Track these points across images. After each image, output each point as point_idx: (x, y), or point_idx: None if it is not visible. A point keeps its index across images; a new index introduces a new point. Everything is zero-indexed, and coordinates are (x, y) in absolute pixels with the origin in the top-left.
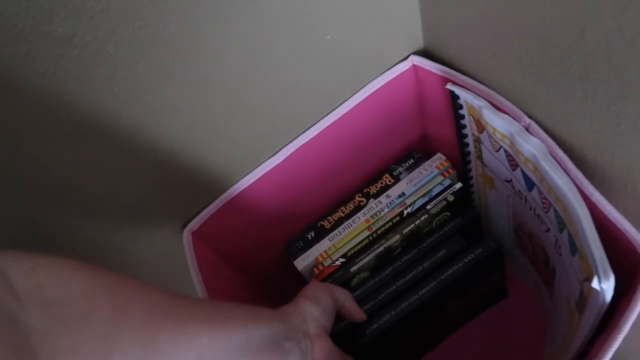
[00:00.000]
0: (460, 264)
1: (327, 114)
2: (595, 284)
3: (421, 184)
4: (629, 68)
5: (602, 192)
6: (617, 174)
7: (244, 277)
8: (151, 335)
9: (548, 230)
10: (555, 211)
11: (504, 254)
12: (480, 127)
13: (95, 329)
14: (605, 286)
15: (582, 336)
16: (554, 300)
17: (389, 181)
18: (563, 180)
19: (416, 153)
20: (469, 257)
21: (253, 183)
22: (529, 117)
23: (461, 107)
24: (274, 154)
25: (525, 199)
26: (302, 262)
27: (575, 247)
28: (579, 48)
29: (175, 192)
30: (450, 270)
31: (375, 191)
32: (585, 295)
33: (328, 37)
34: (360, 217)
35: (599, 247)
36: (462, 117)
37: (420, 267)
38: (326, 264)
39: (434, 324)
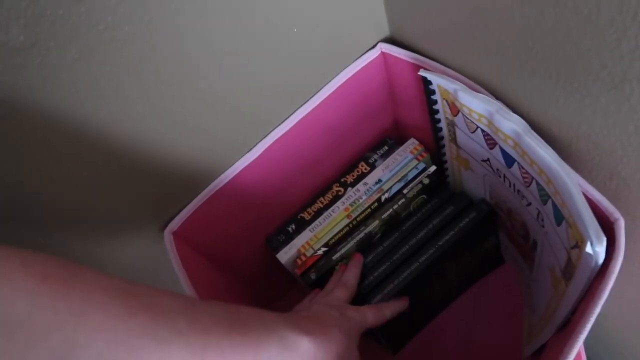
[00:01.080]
0: (456, 229)
1: (300, 106)
2: (589, 248)
3: (396, 170)
4: (589, 45)
5: (571, 166)
6: (583, 148)
7: (228, 274)
8: None
9: (529, 204)
10: (538, 184)
11: (497, 216)
12: (455, 110)
13: (40, 359)
14: (598, 249)
15: (570, 303)
16: (534, 273)
17: (365, 169)
18: (548, 152)
19: (390, 139)
20: (465, 222)
21: (232, 179)
22: (497, 99)
23: (433, 92)
24: (250, 150)
25: (504, 177)
26: (284, 256)
27: (562, 216)
28: (540, 28)
29: (154, 193)
30: (447, 236)
31: (352, 180)
32: (573, 262)
33: (295, 29)
34: (340, 207)
35: (589, 212)
36: (435, 102)
37: (419, 235)
38: (308, 254)
39: (435, 292)
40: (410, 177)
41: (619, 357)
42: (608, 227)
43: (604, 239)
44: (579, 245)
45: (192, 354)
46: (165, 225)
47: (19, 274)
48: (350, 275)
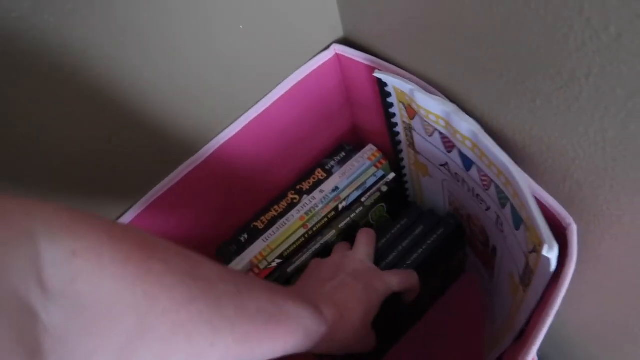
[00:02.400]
0: (424, 246)
1: (250, 108)
2: (546, 251)
3: (354, 177)
4: (537, 42)
5: (524, 170)
6: (536, 151)
7: None
8: (168, 356)
9: (488, 208)
10: (497, 187)
11: (464, 229)
12: (412, 112)
13: (113, 339)
14: (551, 255)
15: (529, 310)
16: (494, 280)
17: (322, 176)
18: (502, 153)
19: (347, 145)
20: (433, 238)
21: (175, 184)
22: (451, 101)
23: (389, 94)
24: (196, 153)
25: (463, 181)
26: (236, 267)
27: (521, 219)
28: (490, 25)
29: (91, 199)
30: (416, 254)
31: (308, 187)
32: (532, 267)
33: (241, 26)
34: (294, 215)
35: (541, 216)
36: (391, 105)
37: (388, 259)
38: (262, 267)
39: (405, 309)
40: (368, 184)
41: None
42: (561, 233)
43: (556, 246)
44: (537, 249)
45: (236, 341)
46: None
47: (106, 252)
48: (369, 233)
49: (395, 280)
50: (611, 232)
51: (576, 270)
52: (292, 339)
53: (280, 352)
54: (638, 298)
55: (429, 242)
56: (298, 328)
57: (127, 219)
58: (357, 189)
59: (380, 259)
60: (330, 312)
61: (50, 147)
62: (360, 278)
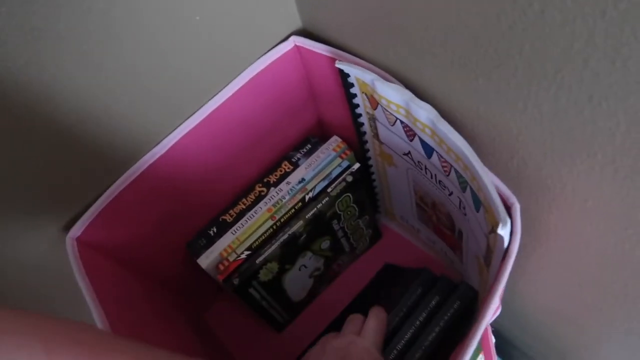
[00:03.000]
0: (442, 324)
1: (209, 99)
2: (500, 230)
3: (320, 168)
4: (474, 22)
5: (475, 150)
6: (484, 130)
7: (148, 282)
8: None
9: (451, 193)
10: (457, 172)
11: (478, 296)
12: (374, 102)
13: None
14: (504, 232)
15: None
16: (464, 264)
17: (288, 168)
18: (458, 139)
19: (313, 138)
20: (450, 313)
21: (138, 176)
22: (407, 87)
23: (352, 85)
24: (158, 143)
25: (426, 168)
26: (205, 260)
27: (480, 201)
28: (432, 7)
29: (52, 190)
30: (434, 334)
31: (275, 180)
32: (491, 247)
33: (197, 17)
34: (262, 207)
35: (497, 197)
36: (354, 95)
37: (407, 336)
38: (231, 259)
39: None
40: (334, 175)
41: (536, 338)
42: (507, 211)
43: (508, 221)
44: (494, 229)
45: None
46: (68, 228)
47: None
48: (382, 322)
49: (372, 331)
50: (556, 205)
51: (529, 246)
52: None
53: None
54: (586, 266)
55: (446, 317)
56: None
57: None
58: (323, 179)
59: (395, 335)
60: None
61: None
62: (341, 349)
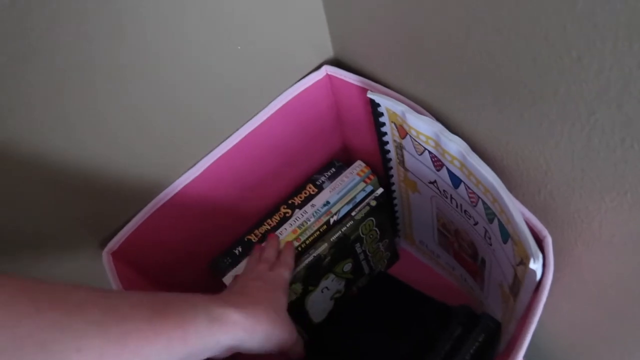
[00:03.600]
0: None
1: (243, 125)
2: (532, 264)
3: (344, 192)
4: (509, 64)
5: (504, 181)
6: (512, 163)
7: None
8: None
9: (476, 223)
10: (484, 203)
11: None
12: (403, 132)
13: None
14: (537, 266)
15: (518, 317)
16: (485, 291)
17: (313, 191)
18: (488, 173)
19: (337, 162)
20: (474, 347)
21: (174, 196)
22: (437, 119)
23: (382, 114)
24: (193, 166)
25: (451, 197)
26: (230, 279)
27: (508, 234)
28: (468, 47)
29: (91, 208)
30: None
31: (299, 202)
32: (519, 278)
33: (239, 47)
34: (287, 228)
35: (528, 233)
36: (383, 124)
37: None
38: None
39: None
40: (358, 199)
41: None
42: (538, 244)
43: (541, 256)
44: (524, 262)
45: (110, 342)
46: (105, 244)
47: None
48: (289, 256)
49: (283, 269)
50: (583, 239)
51: (553, 277)
52: (192, 327)
53: (182, 349)
54: (609, 300)
55: (472, 351)
56: (196, 313)
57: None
58: (347, 203)
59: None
60: (235, 297)
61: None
62: (260, 278)
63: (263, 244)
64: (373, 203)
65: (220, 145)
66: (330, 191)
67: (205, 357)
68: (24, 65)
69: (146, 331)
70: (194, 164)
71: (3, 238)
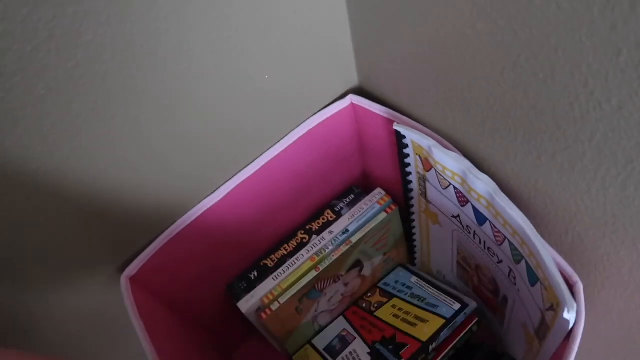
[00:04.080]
0: None
1: (267, 150)
2: (566, 314)
3: (364, 220)
4: (544, 106)
5: (530, 219)
6: (540, 203)
7: (188, 320)
8: None
9: (500, 262)
10: (511, 244)
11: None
12: (428, 165)
13: None
14: (571, 315)
15: None
16: (505, 327)
17: (331, 217)
18: (519, 215)
19: (357, 188)
20: None
21: (193, 221)
22: (464, 155)
23: (406, 146)
24: (213, 192)
25: (474, 233)
26: (245, 304)
27: (536, 277)
28: (500, 87)
29: (111, 234)
30: None
31: (317, 227)
32: (548, 323)
33: (266, 76)
34: (304, 255)
35: (562, 281)
36: (407, 155)
37: None
38: (274, 308)
39: None
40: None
41: None
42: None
43: (575, 305)
44: (554, 308)
45: None
46: (123, 269)
47: None
48: None
49: None
50: (610, 283)
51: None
52: None
53: None
54: (634, 343)
55: None
56: None
57: (141, 261)
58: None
59: None
60: None
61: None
62: None
63: None
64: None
65: (242, 171)
66: (349, 218)
67: None
68: (55, 97)
69: None
70: (215, 190)
71: (24, 261)
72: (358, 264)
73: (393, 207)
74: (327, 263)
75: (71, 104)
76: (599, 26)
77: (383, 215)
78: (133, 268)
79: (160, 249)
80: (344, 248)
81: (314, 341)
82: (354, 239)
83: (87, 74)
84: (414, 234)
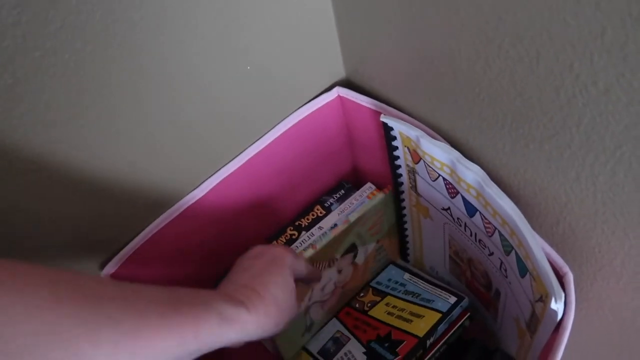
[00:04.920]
0: None
1: (252, 143)
2: (554, 304)
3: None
4: (531, 93)
5: (521, 209)
6: (530, 193)
7: None
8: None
9: (491, 254)
10: (501, 235)
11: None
12: (417, 157)
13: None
14: (559, 305)
15: (535, 356)
16: (498, 322)
17: (320, 212)
18: (508, 205)
19: (346, 183)
20: None
21: (175, 218)
22: (452, 146)
23: (394, 138)
24: (196, 187)
25: (465, 225)
26: None
27: (526, 268)
28: (486, 76)
29: (91, 229)
30: None
31: (306, 223)
32: (538, 315)
33: (248, 67)
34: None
35: (550, 269)
36: (396, 148)
37: None
38: None
39: None
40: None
41: None
42: (558, 280)
43: (563, 295)
44: (543, 299)
45: (125, 337)
46: (103, 265)
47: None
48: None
49: (302, 265)
50: (602, 274)
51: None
52: (204, 325)
53: (193, 345)
54: (628, 337)
55: None
56: (209, 313)
57: (121, 257)
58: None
59: None
60: (243, 293)
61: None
62: (262, 254)
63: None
64: None
65: (227, 166)
66: (339, 214)
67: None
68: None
69: (159, 327)
70: (199, 184)
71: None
72: (353, 249)
73: (385, 191)
74: (324, 241)
75: (41, 94)
76: (584, 4)
77: (380, 195)
78: (113, 265)
79: (141, 246)
80: (342, 227)
81: (307, 346)
82: (352, 218)
83: (58, 63)
84: (406, 229)
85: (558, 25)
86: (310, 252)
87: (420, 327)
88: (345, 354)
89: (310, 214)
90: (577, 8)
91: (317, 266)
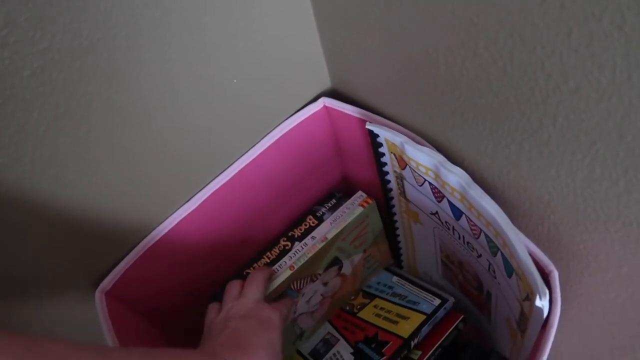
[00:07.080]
0: None
1: (239, 157)
2: (538, 302)
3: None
4: (507, 93)
5: (506, 211)
6: (514, 194)
7: (169, 333)
8: None
9: (480, 256)
10: (487, 236)
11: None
12: (403, 163)
13: None
14: (544, 303)
15: (526, 355)
16: (492, 324)
17: (313, 222)
18: (491, 206)
19: (337, 193)
20: None
21: (167, 233)
22: (437, 150)
23: (381, 145)
24: (187, 201)
25: (453, 229)
26: None
27: (512, 268)
28: (464, 78)
29: (83, 248)
30: None
31: (299, 234)
32: (526, 314)
33: (235, 81)
34: (287, 262)
35: (533, 266)
36: (383, 154)
37: None
38: None
39: None
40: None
41: None
42: (544, 278)
43: (547, 292)
44: (530, 297)
45: None
46: (97, 283)
47: None
48: (258, 273)
49: (283, 307)
50: (589, 270)
51: (560, 311)
52: None
53: None
54: (618, 331)
55: None
56: None
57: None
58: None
59: None
60: (231, 354)
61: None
62: (251, 316)
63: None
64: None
65: (215, 180)
66: (330, 223)
67: None
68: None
69: None
70: (187, 200)
71: None
72: (336, 262)
73: (369, 200)
74: (301, 261)
75: (31, 112)
76: (549, 5)
77: (359, 209)
78: (107, 282)
79: (134, 262)
80: (319, 245)
81: (300, 348)
82: (330, 235)
83: (46, 82)
84: (398, 235)
85: (527, 27)
86: (288, 273)
87: (405, 329)
88: (334, 355)
89: (303, 224)
90: (543, 9)
91: (297, 284)
